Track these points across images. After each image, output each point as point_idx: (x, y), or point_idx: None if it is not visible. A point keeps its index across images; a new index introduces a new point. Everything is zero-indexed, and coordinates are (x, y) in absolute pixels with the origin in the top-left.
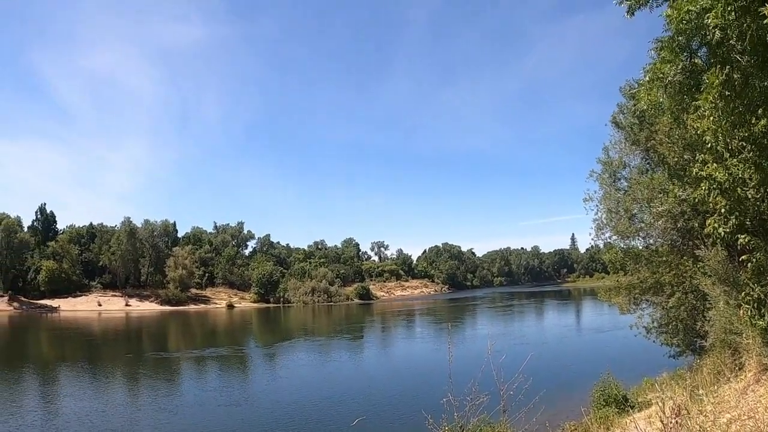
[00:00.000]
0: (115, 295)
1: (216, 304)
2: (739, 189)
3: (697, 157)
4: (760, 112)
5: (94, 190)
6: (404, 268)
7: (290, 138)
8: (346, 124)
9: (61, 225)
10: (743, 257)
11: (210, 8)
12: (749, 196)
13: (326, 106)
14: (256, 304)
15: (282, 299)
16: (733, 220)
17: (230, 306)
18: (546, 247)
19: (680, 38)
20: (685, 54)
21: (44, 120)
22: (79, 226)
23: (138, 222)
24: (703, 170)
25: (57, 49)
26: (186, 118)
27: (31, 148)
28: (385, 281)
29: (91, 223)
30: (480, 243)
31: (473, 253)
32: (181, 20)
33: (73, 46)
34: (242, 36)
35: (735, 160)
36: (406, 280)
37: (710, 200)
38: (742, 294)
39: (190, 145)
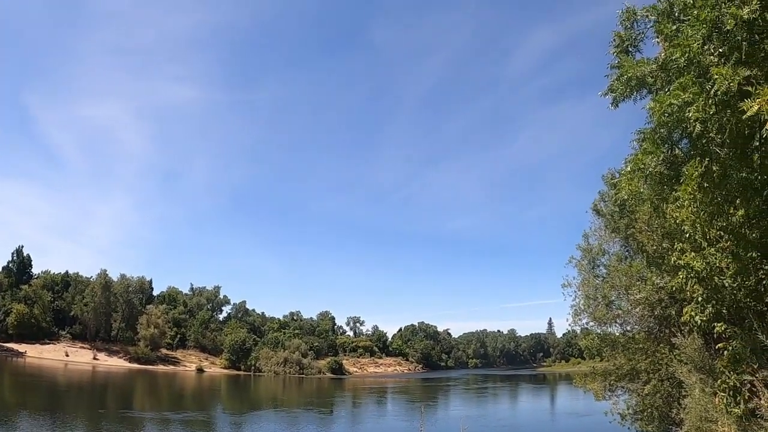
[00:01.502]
0: (84, 347)
1: (186, 366)
2: (716, 278)
3: (675, 246)
4: (737, 202)
5: (74, 238)
6: (379, 345)
7: (275, 207)
8: (332, 198)
9: (36, 270)
10: (719, 345)
11: (208, 73)
12: (726, 285)
13: (314, 179)
14: (226, 371)
15: (253, 368)
16: (710, 309)
17: (200, 370)
18: (523, 331)
19: (662, 130)
20: (666, 145)
21: (33, 163)
22: (54, 273)
23: (114, 276)
24: (681, 259)
25: (54, 95)
26: (174, 177)
27: (16, 189)
28: (358, 357)
29: (66, 272)
30: (457, 323)
31: (449, 334)
32: (179, 81)
33: (70, 94)
34: (237, 103)
35: (713, 249)
36: (380, 357)
37: (688, 288)
38: (718, 382)
39: (175, 204)
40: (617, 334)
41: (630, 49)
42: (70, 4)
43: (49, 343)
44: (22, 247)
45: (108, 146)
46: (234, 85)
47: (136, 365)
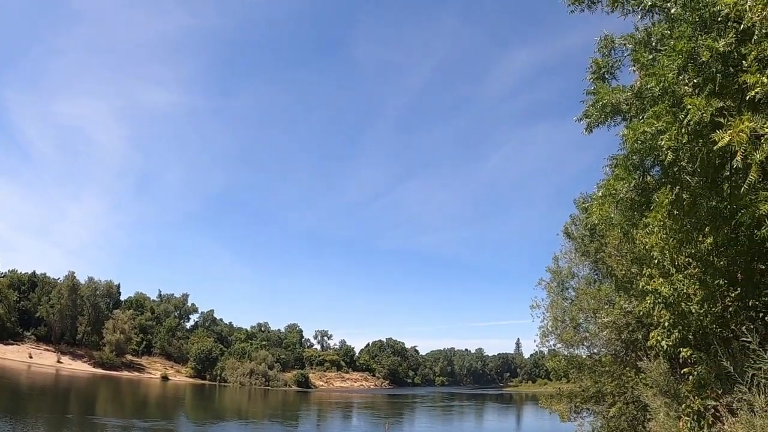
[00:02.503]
0: (48, 350)
1: (150, 374)
2: (683, 304)
3: (644, 271)
4: (706, 230)
5: (43, 237)
6: (346, 360)
7: (248, 216)
8: (305, 208)
9: (2, 268)
10: (685, 370)
11: (188, 77)
12: (693, 311)
13: (288, 190)
14: (191, 379)
15: (219, 377)
16: (676, 334)
17: (165, 378)
18: (490, 350)
19: (634, 157)
20: (638, 172)
21: (3, 158)
22: (21, 272)
23: (82, 278)
24: (649, 284)
25: (30, 91)
26: (147, 180)
27: None
28: (325, 371)
29: (34, 272)
30: (424, 341)
31: (417, 351)
32: (160, 84)
33: (47, 90)
34: (216, 110)
35: (680, 275)
36: (347, 372)
37: (655, 313)
38: (683, 406)
39: (148, 208)
40: (584, 356)
41: (606, 76)
42: (53, 1)
43: (12, 344)
44: None
45: (83, 145)
46: (214, 91)
47: (100, 370)
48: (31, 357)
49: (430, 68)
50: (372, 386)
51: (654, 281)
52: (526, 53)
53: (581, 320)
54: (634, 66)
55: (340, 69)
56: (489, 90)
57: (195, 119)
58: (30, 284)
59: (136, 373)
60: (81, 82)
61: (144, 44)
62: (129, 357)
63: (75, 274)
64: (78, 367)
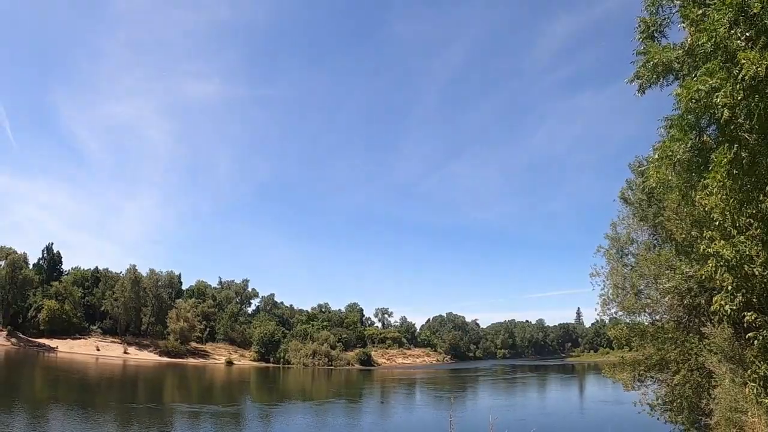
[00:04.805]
0: (114, 342)
1: (215, 359)
2: (746, 266)
3: (704, 234)
4: (767, 189)
5: (102, 235)
6: (407, 336)
7: (299, 200)
8: (356, 191)
9: (66, 266)
10: (750, 335)
11: (229, 69)
12: (756, 274)
13: (336, 172)
14: (255, 363)
15: (282, 360)
16: (740, 298)
17: (229, 363)
18: (551, 321)
19: (689, 117)
20: (694, 132)
21: (60, 162)
22: (84, 269)
23: (143, 271)
24: (710, 247)
25: (77, 94)
26: (198, 173)
27: (45, 188)
28: (387, 348)
29: (96, 268)
30: (484, 314)
31: (477, 324)
32: (201, 78)
33: (93, 93)
34: (258, 97)
35: (742, 237)
36: (409, 348)
37: (717, 277)
38: (748, 372)
39: (201, 200)
40: (646, 323)
41: (655, 35)
42: (91, 3)
43: (80, 338)
44: (52, 244)
45: (133, 143)
46: (255, 80)
47: (166, 359)
48: (98, 349)
49: (469, 43)
50: (434, 361)
51: (715, 244)
52: (566, 21)
53: (642, 287)
54: (684, 22)
55: (379, 49)
56: (530, 61)
57: (239, 109)
58: (93, 280)
59: (201, 360)
60: (126, 82)
61: (183, 39)
62: (193, 344)
63: (136, 267)
64: (144, 357)
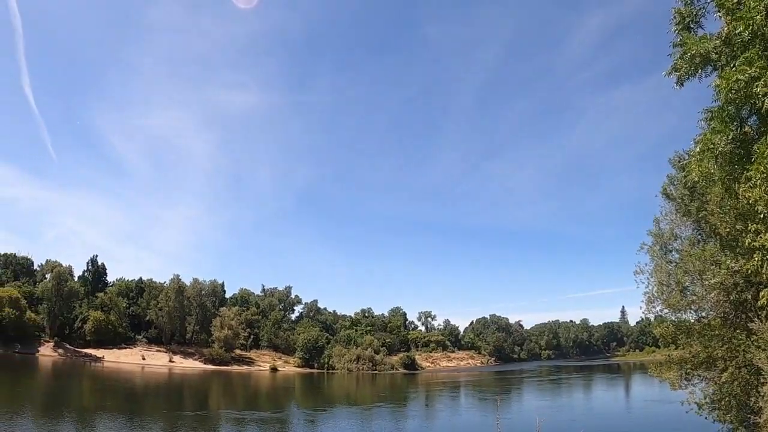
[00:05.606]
0: (160, 350)
1: (259, 366)
2: None
3: (749, 228)
4: None
5: (144, 246)
6: (451, 339)
7: (338, 206)
8: (393, 195)
9: (110, 278)
10: None
11: (264, 77)
12: None
13: (373, 177)
14: (299, 369)
15: (326, 365)
16: None
17: (274, 369)
18: (595, 320)
19: (729, 108)
20: (735, 123)
21: (101, 175)
22: (128, 280)
23: (187, 280)
24: (755, 240)
25: (116, 108)
26: (238, 182)
27: (87, 201)
28: (431, 352)
29: (140, 278)
30: (528, 315)
31: (521, 326)
32: (237, 87)
33: (132, 106)
34: (295, 105)
35: None
36: (453, 351)
37: (764, 271)
38: None
39: (241, 208)
40: (692, 320)
41: (691, 26)
42: (126, 19)
43: (125, 348)
44: (96, 256)
45: (172, 154)
46: (290, 88)
47: (211, 366)
48: (144, 358)
49: (502, 42)
50: (478, 364)
51: (761, 237)
52: (598, 14)
53: (687, 283)
54: (719, 11)
55: (412, 52)
56: (565, 57)
57: (276, 117)
58: (137, 290)
59: (246, 367)
60: (163, 94)
61: (219, 50)
62: (238, 351)
63: (180, 277)
64: (189, 365)
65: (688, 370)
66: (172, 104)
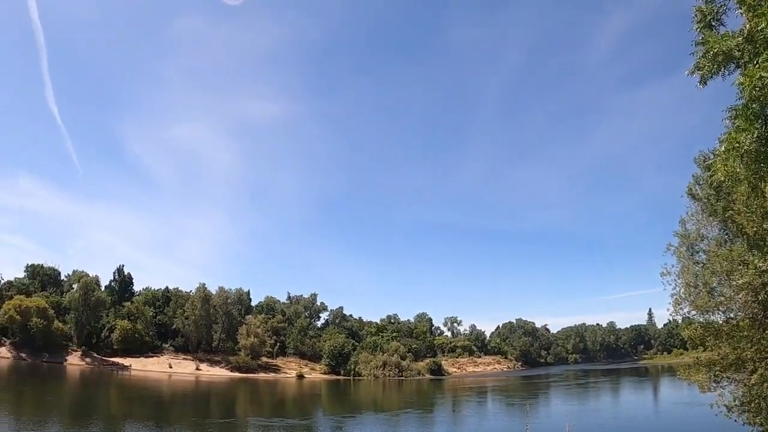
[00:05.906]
0: (186, 359)
1: (286, 373)
2: None
3: None
4: None
5: (170, 255)
6: (477, 344)
7: (363, 213)
8: (418, 201)
9: (137, 287)
10: None
11: (287, 85)
12: None
13: (398, 183)
14: (326, 376)
15: (353, 372)
16: None
17: (300, 376)
18: (622, 323)
19: (754, 105)
20: (759, 121)
21: (126, 185)
22: (154, 289)
23: (213, 289)
24: None
25: (141, 119)
26: (263, 191)
27: (113, 211)
28: (457, 357)
29: (166, 287)
30: (554, 319)
31: (547, 330)
32: (260, 97)
33: (156, 118)
34: (318, 113)
35: None
36: (479, 356)
37: None
38: None
39: (266, 217)
40: (720, 322)
41: (713, 23)
42: (149, 31)
43: (152, 356)
44: (123, 266)
45: (198, 165)
46: (312, 96)
47: (237, 374)
48: (171, 367)
49: (526, 45)
50: (505, 369)
51: None
52: (620, 15)
53: (715, 284)
54: (741, 8)
55: (435, 58)
56: (587, 59)
57: (300, 126)
58: (164, 299)
59: (272, 374)
60: (187, 105)
61: (242, 61)
62: (264, 359)
63: (206, 286)
64: (216, 373)
65: (717, 372)
66: (196, 115)
